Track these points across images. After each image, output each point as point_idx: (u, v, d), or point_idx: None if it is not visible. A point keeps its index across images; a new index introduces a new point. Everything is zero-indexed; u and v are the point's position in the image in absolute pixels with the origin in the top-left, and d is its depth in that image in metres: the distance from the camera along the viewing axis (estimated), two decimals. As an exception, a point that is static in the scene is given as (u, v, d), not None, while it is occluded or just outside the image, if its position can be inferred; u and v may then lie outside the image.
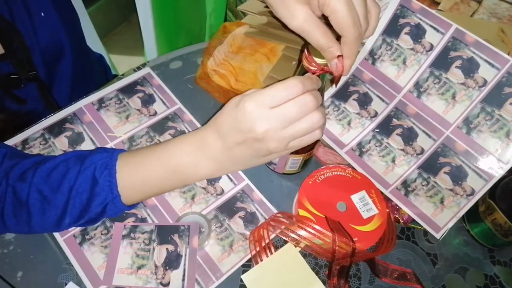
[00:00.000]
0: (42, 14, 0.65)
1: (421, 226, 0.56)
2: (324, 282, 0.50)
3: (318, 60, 0.43)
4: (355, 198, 0.53)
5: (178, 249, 0.51)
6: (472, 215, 0.56)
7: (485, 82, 0.54)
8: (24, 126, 0.60)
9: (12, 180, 0.46)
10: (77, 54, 0.75)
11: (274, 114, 0.41)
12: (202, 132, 0.47)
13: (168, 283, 0.49)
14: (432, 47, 0.57)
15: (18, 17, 0.61)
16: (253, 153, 0.45)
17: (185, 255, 0.50)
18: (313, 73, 0.44)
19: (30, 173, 0.46)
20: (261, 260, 0.51)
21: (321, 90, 0.46)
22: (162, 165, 0.47)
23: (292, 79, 0.41)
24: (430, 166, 0.57)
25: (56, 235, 0.53)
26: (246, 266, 0.52)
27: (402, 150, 0.59)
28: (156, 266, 0.50)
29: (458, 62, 0.55)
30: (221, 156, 0.46)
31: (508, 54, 0.53)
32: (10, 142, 0.59)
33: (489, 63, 0.53)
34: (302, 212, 0.51)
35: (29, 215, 0.46)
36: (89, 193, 0.46)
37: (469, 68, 0.55)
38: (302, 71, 0.45)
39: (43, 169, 0.47)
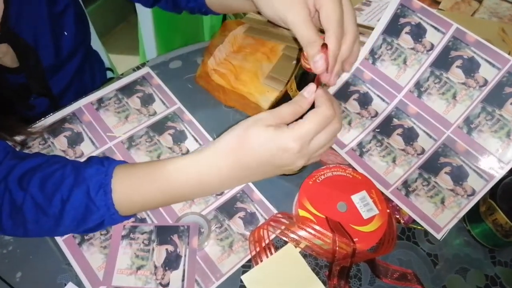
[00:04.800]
0: (66, 33, 0.65)
1: (422, 227, 0.55)
2: (324, 283, 0.50)
3: None
4: (356, 198, 0.53)
5: (178, 250, 0.51)
6: (473, 216, 0.56)
7: (485, 82, 0.54)
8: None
9: (11, 183, 0.46)
10: (85, 61, 0.76)
11: (312, 148, 0.43)
12: (212, 161, 0.44)
13: (168, 284, 0.49)
14: (432, 47, 0.57)
15: (42, 40, 0.61)
16: (271, 174, 0.46)
17: (185, 255, 0.50)
18: (310, 71, 0.44)
19: (27, 178, 0.46)
20: (261, 261, 0.50)
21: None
22: (161, 193, 0.47)
23: (328, 109, 0.42)
24: (431, 166, 0.57)
25: (55, 235, 0.52)
26: (246, 267, 0.52)
27: (403, 150, 0.59)
28: (155, 267, 0.50)
29: (458, 62, 0.55)
30: (233, 182, 0.46)
31: (509, 54, 0.53)
32: (10, 142, 0.58)
33: (490, 63, 0.53)
34: (302, 213, 0.51)
35: (24, 221, 0.46)
36: (84, 208, 0.46)
37: (470, 67, 0.55)
38: (300, 70, 0.45)
39: (39, 176, 0.46)
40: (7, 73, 0.60)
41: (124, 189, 0.46)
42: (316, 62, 0.42)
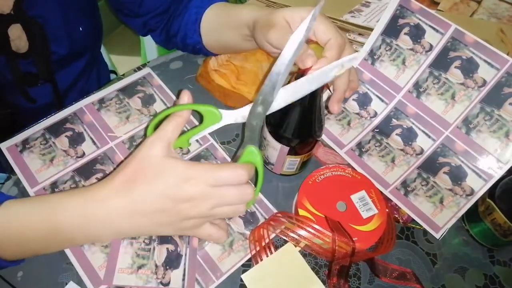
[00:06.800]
0: (81, 29, 0.65)
1: (421, 226, 0.56)
2: (324, 282, 0.50)
3: None
4: (355, 198, 0.53)
5: (178, 249, 0.51)
6: (471, 215, 0.57)
7: (484, 82, 0.54)
8: (28, 121, 0.61)
9: None
10: (93, 63, 0.76)
11: (215, 194, 0.41)
12: (99, 188, 0.42)
13: (169, 283, 0.49)
14: (431, 48, 0.57)
15: (54, 28, 0.61)
16: (167, 223, 0.42)
17: (185, 254, 0.51)
18: (305, 72, 0.44)
19: None
20: (261, 260, 0.51)
21: (320, 91, 0.46)
22: (42, 221, 0.42)
23: (241, 168, 0.41)
24: (430, 166, 0.57)
25: (57, 234, 0.53)
26: (246, 266, 0.52)
27: (402, 150, 0.59)
28: (156, 266, 0.50)
29: (457, 62, 0.56)
30: (122, 221, 0.42)
31: (508, 54, 0.53)
32: (11, 141, 0.59)
33: (489, 63, 0.54)
34: (302, 212, 0.52)
35: None
36: None
37: (469, 68, 0.55)
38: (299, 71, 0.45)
39: None
40: (17, 58, 0.59)
41: (3, 220, 0.42)
42: (303, 61, 0.43)
